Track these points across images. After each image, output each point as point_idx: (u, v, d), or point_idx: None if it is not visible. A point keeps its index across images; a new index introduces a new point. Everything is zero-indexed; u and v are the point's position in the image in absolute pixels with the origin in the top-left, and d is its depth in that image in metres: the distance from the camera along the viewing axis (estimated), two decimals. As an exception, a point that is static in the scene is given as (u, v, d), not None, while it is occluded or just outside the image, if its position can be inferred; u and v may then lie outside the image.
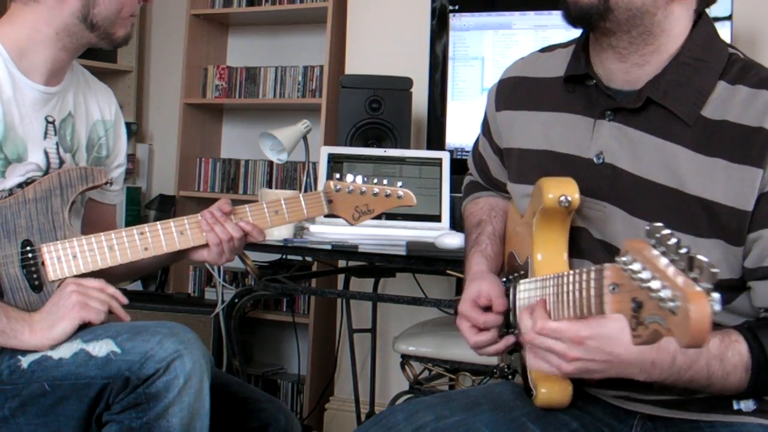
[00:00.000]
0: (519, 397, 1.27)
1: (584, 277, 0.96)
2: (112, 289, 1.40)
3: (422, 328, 2.36)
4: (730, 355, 1.05)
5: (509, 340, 1.26)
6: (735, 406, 1.15)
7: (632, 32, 1.15)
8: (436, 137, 2.64)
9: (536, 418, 1.22)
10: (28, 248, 1.41)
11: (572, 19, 1.18)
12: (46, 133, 1.48)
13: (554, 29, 2.49)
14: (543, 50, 1.38)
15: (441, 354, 2.18)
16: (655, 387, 1.11)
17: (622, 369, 1.04)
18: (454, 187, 2.30)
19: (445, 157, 2.34)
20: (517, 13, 2.55)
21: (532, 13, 2.51)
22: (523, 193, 1.30)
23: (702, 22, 1.18)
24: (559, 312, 1.03)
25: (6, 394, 1.32)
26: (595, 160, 1.20)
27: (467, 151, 2.57)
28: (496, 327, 1.26)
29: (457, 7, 2.61)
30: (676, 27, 1.15)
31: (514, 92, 1.36)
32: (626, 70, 1.19)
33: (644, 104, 1.16)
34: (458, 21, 2.61)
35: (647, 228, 0.79)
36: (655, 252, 0.77)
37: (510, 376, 1.35)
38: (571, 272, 1.00)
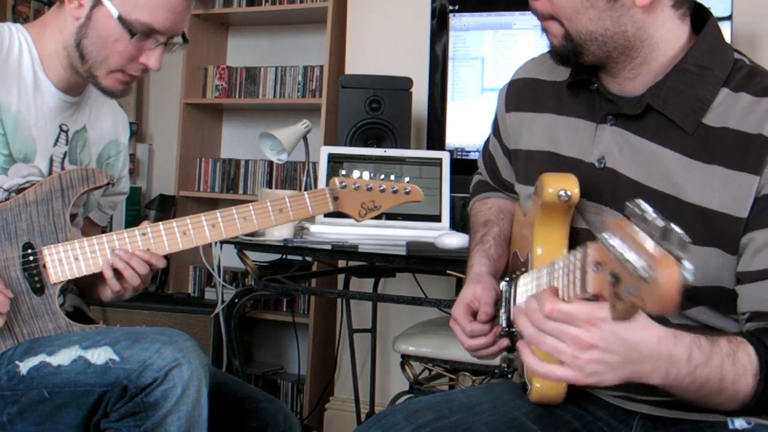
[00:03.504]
0: (519, 397, 1.26)
1: (571, 259, 0.93)
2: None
3: (422, 328, 2.36)
4: (740, 355, 1.01)
5: (502, 343, 1.26)
6: (730, 426, 1.13)
7: (612, 54, 1.16)
8: (436, 137, 2.64)
9: (536, 417, 1.22)
10: (30, 251, 1.40)
11: (556, 61, 1.22)
12: (57, 141, 1.48)
13: (554, 29, 2.48)
14: None
15: (441, 354, 2.18)
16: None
17: (638, 366, 0.96)
18: (454, 187, 2.30)
19: (445, 157, 2.34)
20: (517, 13, 2.55)
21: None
22: (528, 193, 1.30)
23: (708, 28, 1.16)
24: None
25: (5, 400, 1.31)
26: (596, 164, 1.20)
27: (467, 151, 2.57)
28: (486, 333, 1.26)
29: (457, 7, 2.61)
30: (657, 33, 1.14)
31: (523, 94, 1.36)
32: (620, 83, 1.20)
33: (645, 110, 1.16)
34: (458, 21, 2.61)
35: (628, 204, 0.79)
36: (636, 227, 0.77)
37: (509, 375, 1.35)
38: (561, 256, 0.98)
